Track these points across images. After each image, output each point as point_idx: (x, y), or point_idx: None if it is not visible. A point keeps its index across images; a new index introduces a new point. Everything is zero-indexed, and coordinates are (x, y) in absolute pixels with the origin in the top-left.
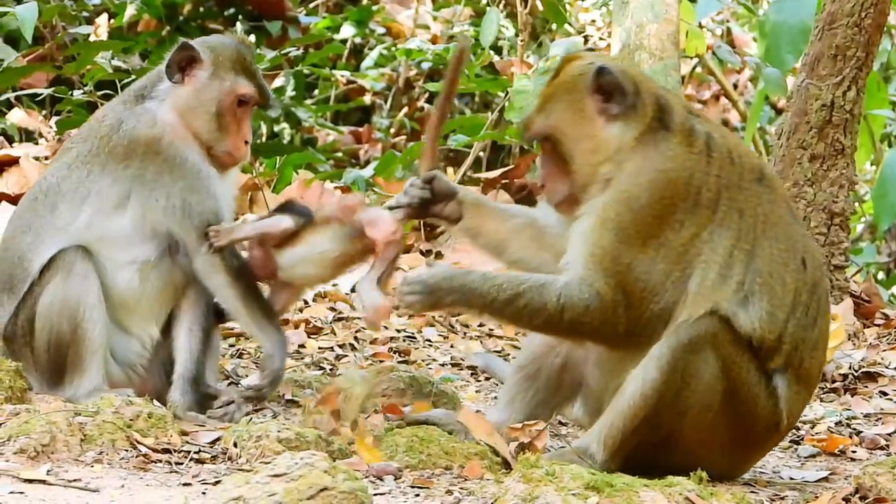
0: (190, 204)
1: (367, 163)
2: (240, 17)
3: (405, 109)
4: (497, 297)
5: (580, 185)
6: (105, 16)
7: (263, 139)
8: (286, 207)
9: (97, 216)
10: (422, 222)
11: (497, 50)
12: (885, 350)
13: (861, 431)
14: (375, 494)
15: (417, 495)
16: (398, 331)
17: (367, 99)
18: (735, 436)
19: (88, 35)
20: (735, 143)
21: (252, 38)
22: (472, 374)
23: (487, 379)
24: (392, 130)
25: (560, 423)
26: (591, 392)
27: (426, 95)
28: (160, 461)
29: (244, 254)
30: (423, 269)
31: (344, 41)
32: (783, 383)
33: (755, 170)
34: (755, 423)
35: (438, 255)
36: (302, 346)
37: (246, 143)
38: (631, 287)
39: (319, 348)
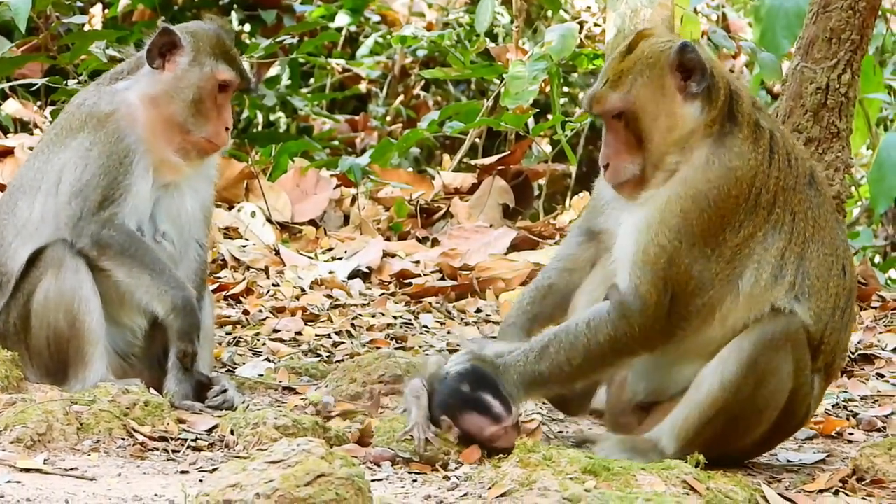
0: (90, 185)
1: (364, 151)
2: (235, 5)
3: (401, 97)
4: (527, 358)
5: (652, 165)
6: (100, 5)
7: (259, 128)
8: None
9: (48, 202)
10: (418, 209)
11: (492, 36)
12: (881, 332)
13: (858, 413)
14: (373, 480)
15: (415, 481)
16: (395, 317)
17: (363, 87)
18: (777, 429)
19: (83, 25)
20: (792, 143)
21: (247, 26)
22: None
23: None
24: (388, 118)
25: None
26: (636, 381)
27: (422, 83)
28: (157, 449)
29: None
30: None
31: (339, 29)
32: (817, 383)
33: (807, 172)
34: (795, 420)
35: (435, 242)
36: (299, 333)
37: (227, 129)
38: (683, 285)
39: (316, 335)
